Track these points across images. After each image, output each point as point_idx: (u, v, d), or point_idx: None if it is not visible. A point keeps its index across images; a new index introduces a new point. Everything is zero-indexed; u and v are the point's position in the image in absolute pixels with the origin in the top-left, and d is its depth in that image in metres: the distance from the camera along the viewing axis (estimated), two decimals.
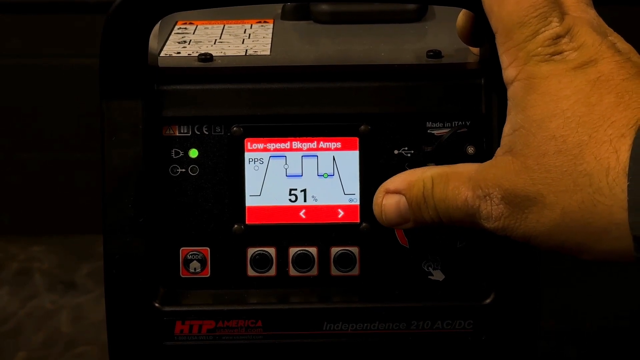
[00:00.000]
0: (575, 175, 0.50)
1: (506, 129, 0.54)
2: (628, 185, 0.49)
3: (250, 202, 0.61)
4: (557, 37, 0.53)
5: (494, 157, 0.55)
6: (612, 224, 0.50)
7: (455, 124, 0.61)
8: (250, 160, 0.61)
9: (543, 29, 0.53)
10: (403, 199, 0.57)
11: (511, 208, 0.53)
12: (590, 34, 0.53)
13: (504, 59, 0.54)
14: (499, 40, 0.54)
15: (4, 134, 1.31)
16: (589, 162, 0.50)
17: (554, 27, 0.53)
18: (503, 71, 0.54)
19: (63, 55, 1.30)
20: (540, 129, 0.52)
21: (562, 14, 0.54)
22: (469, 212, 0.55)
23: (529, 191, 0.52)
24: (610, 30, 0.55)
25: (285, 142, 0.61)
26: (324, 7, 0.73)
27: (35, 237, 1.16)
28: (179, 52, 0.66)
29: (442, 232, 0.61)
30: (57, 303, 1.02)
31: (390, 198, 0.58)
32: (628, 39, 0.56)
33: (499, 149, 0.55)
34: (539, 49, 0.53)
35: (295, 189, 0.62)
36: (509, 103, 0.54)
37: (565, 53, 0.53)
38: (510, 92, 0.54)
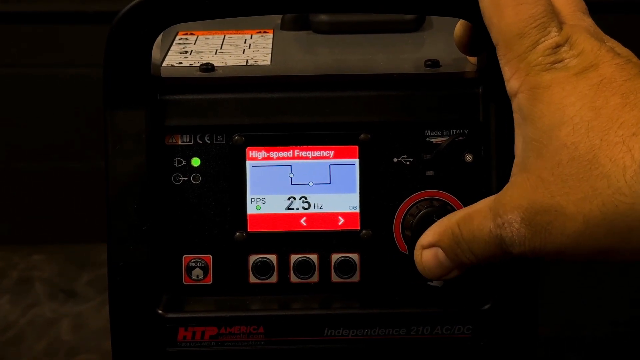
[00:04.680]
0: (592, 180, 0.50)
1: (517, 144, 0.54)
2: None
3: (251, 209, 0.62)
4: (557, 46, 0.53)
5: (509, 180, 0.55)
6: (637, 221, 0.49)
7: (453, 132, 0.62)
8: (252, 168, 0.62)
9: (543, 39, 0.53)
10: (440, 250, 0.58)
11: (532, 229, 0.52)
12: (588, 41, 0.53)
13: (506, 71, 0.54)
14: (500, 53, 0.55)
15: (3, 143, 1.32)
16: (604, 164, 0.50)
17: (553, 37, 0.53)
18: (506, 83, 0.55)
19: (61, 64, 1.31)
20: (551, 139, 0.52)
21: (560, 24, 0.54)
22: (496, 243, 0.54)
23: (548, 205, 0.52)
24: (607, 36, 0.56)
25: (286, 150, 0.62)
26: (323, 17, 0.74)
27: (36, 246, 1.17)
28: (180, 63, 0.66)
29: None
30: (57, 311, 1.02)
31: (427, 253, 0.58)
32: (625, 46, 0.57)
33: (513, 168, 0.55)
34: (540, 58, 0.53)
35: (296, 197, 0.62)
36: (515, 116, 0.54)
37: (566, 61, 0.53)
38: (515, 105, 0.54)
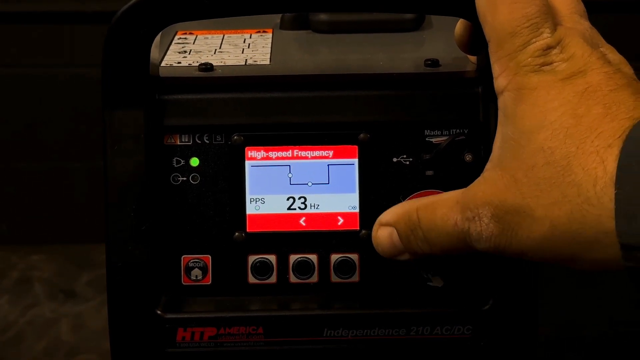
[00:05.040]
0: (563, 186, 0.51)
1: (496, 141, 0.55)
2: (615, 194, 0.49)
3: (250, 210, 0.62)
4: (548, 48, 0.53)
5: (482, 174, 0.55)
6: (602, 233, 0.50)
7: (453, 131, 0.62)
8: (251, 168, 0.62)
9: (534, 40, 0.53)
10: (395, 231, 0.58)
11: (501, 226, 0.53)
12: (580, 45, 0.53)
13: (495, 69, 0.54)
14: (491, 50, 0.55)
15: (2, 143, 1.32)
16: (577, 173, 0.50)
17: (545, 38, 0.53)
18: (494, 80, 0.55)
19: (60, 64, 1.31)
20: (529, 141, 0.52)
21: (555, 25, 0.54)
22: (460, 237, 0.55)
23: (519, 205, 0.52)
24: (602, 41, 0.56)
25: (285, 150, 0.62)
26: (323, 16, 0.74)
27: (35, 246, 1.17)
28: (179, 62, 0.66)
29: None
30: (57, 311, 1.02)
31: (383, 230, 0.59)
32: (624, 46, 0.57)
33: (487, 163, 0.55)
34: (529, 59, 0.53)
35: (296, 197, 0.62)
36: (499, 114, 0.55)
37: (555, 64, 0.53)
38: (501, 103, 0.54)
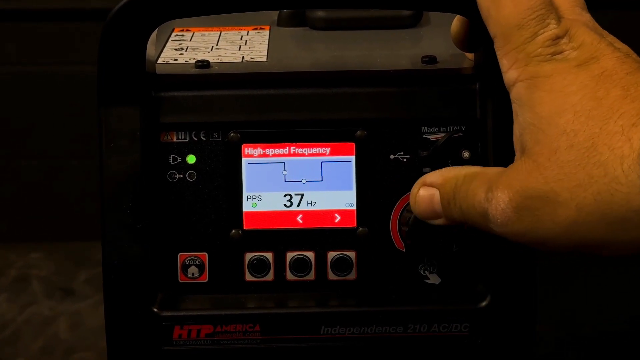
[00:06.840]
0: (589, 167, 0.50)
1: (515, 131, 0.54)
2: None
3: (247, 207, 0.62)
4: (557, 38, 0.53)
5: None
6: (631, 212, 0.49)
7: (450, 128, 0.62)
8: (248, 165, 0.62)
9: (542, 31, 0.53)
10: (437, 193, 0.57)
11: (519, 212, 0.52)
12: (588, 34, 0.53)
13: (504, 63, 0.54)
14: (497, 44, 0.54)
15: (3, 142, 1.32)
16: (602, 152, 0.50)
17: (552, 29, 0.53)
18: (504, 74, 0.54)
19: (59, 62, 1.31)
20: (550, 125, 0.52)
21: (559, 17, 0.54)
22: (483, 214, 0.54)
23: (541, 190, 0.52)
24: (606, 32, 0.56)
25: (282, 147, 0.62)
26: (320, 13, 0.74)
27: (34, 244, 1.17)
28: (176, 59, 0.66)
29: (439, 236, 0.61)
30: (55, 309, 1.02)
31: (425, 190, 0.58)
32: (625, 42, 0.57)
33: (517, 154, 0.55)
34: (539, 49, 0.53)
35: (293, 194, 0.62)
36: (514, 105, 0.54)
37: (566, 52, 0.53)
38: (514, 94, 0.54)
